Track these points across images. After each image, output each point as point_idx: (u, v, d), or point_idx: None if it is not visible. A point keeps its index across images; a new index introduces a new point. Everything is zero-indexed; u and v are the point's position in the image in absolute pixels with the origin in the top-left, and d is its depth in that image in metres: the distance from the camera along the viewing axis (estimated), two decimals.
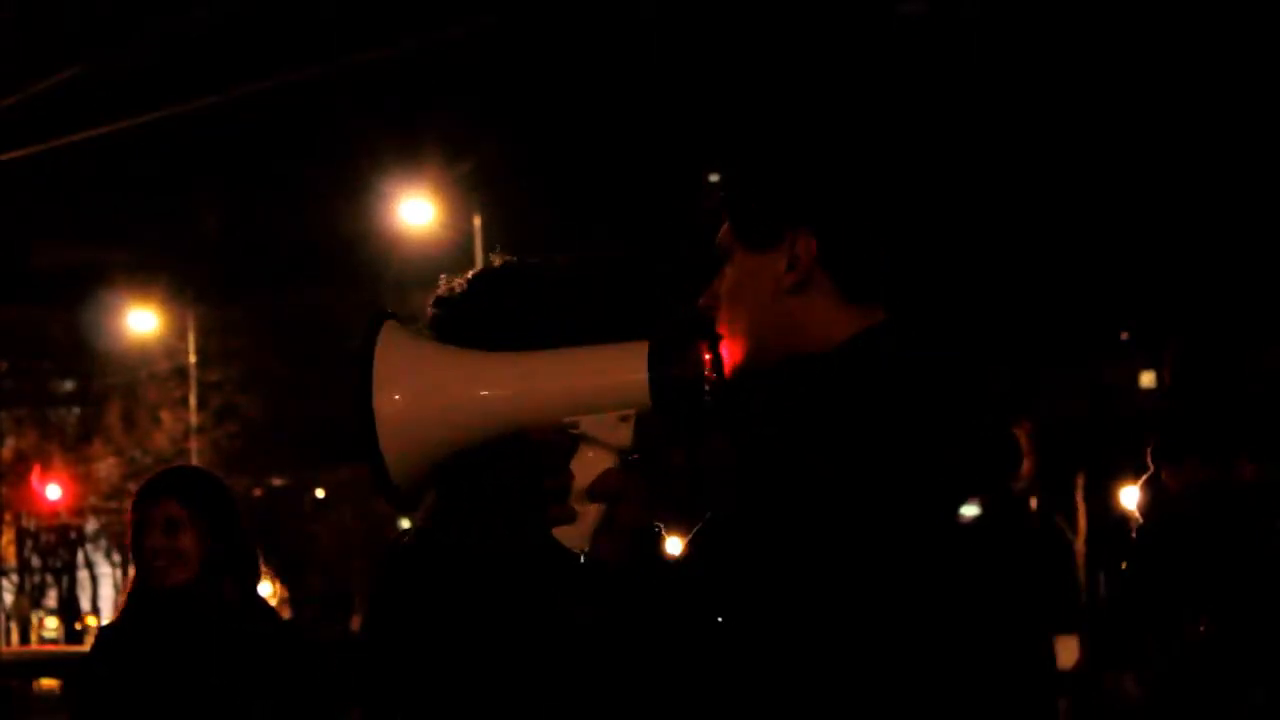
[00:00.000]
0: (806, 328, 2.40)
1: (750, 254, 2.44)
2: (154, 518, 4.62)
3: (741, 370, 2.42)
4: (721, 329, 2.43)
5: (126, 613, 4.74)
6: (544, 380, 2.40)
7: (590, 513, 2.36)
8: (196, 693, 4.49)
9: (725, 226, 2.48)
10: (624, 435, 2.37)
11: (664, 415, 2.39)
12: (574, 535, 2.36)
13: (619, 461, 2.38)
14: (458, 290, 3.01)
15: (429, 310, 3.04)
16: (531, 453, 2.39)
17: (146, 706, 4.53)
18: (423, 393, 2.36)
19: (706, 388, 2.39)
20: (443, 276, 3.08)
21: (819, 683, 2.19)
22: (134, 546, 4.68)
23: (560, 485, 2.36)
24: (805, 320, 2.41)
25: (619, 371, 2.38)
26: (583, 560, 2.35)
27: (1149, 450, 4.86)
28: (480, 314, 2.88)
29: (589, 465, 2.37)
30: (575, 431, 2.37)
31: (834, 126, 2.45)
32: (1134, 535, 4.96)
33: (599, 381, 2.39)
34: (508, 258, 3.04)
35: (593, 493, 2.35)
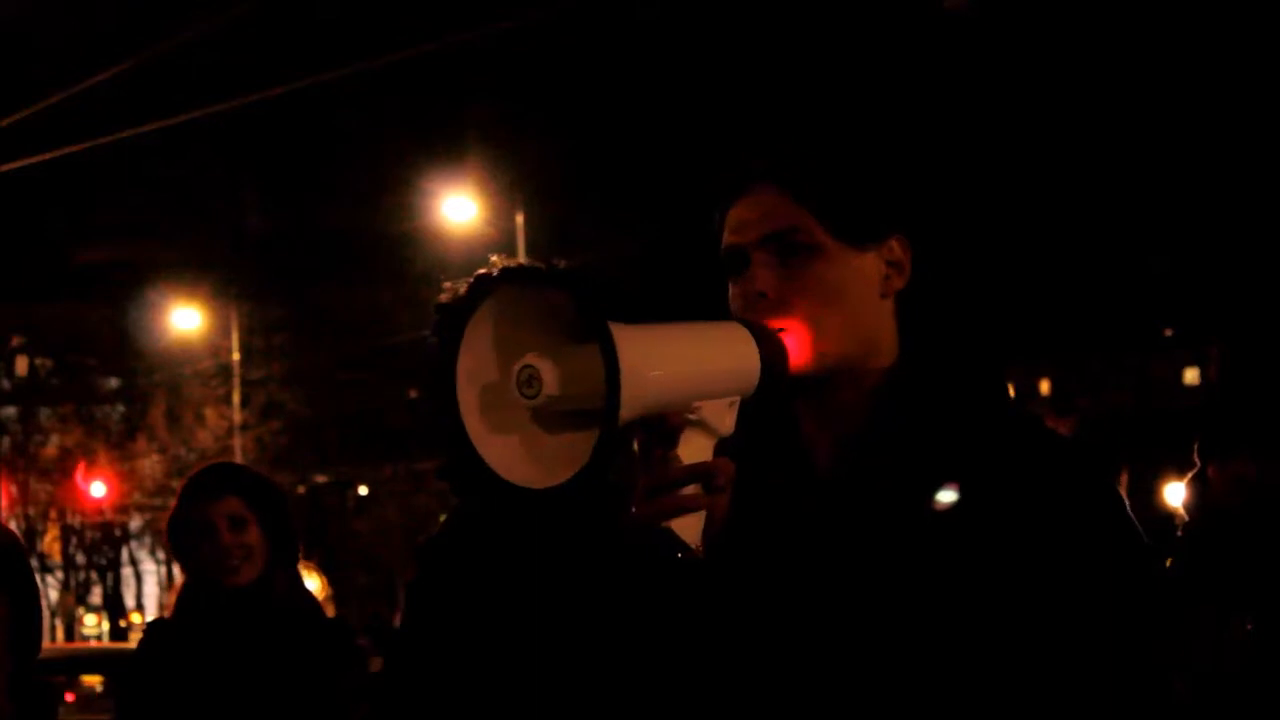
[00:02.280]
0: (883, 334, 2.38)
1: (850, 250, 2.36)
2: (216, 515, 4.58)
3: (824, 366, 2.34)
4: (793, 321, 2.32)
5: (183, 610, 4.71)
6: (689, 359, 2.21)
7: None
8: (249, 689, 4.49)
9: (795, 215, 2.36)
10: (730, 423, 2.25)
11: (763, 402, 2.29)
12: (691, 528, 2.21)
13: (717, 451, 2.24)
14: (462, 294, 2.98)
15: (434, 315, 3.03)
16: (654, 438, 2.22)
17: (198, 702, 4.52)
18: (654, 360, 2.12)
19: (795, 378, 2.31)
20: (446, 284, 3.06)
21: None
22: (191, 545, 4.64)
23: (673, 476, 2.21)
24: (884, 325, 2.39)
25: (737, 354, 2.25)
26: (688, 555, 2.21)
27: (1196, 447, 4.83)
28: None
29: (689, 454, 2.21)
30: (693, 417, 2.21)
31: (936, 131, 2.41)
32: (1179, 532, 4.93)
33: (726, 365, 2.24)
34: (508, 261, 3.03)
35: (717, 483, 2.22)
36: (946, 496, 2.24)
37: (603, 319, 2.05)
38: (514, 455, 2.16)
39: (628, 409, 2.05)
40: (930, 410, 2.33)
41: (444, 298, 3.01)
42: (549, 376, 2.11)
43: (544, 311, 2.14)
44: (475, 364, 2.18)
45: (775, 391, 2.28)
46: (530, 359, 2.12)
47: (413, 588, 3.10)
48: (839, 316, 2.34)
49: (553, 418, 2.16)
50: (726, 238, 2.41)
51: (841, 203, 2.37)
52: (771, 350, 2.27)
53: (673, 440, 2.20)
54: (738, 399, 2.25)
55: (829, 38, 29.34)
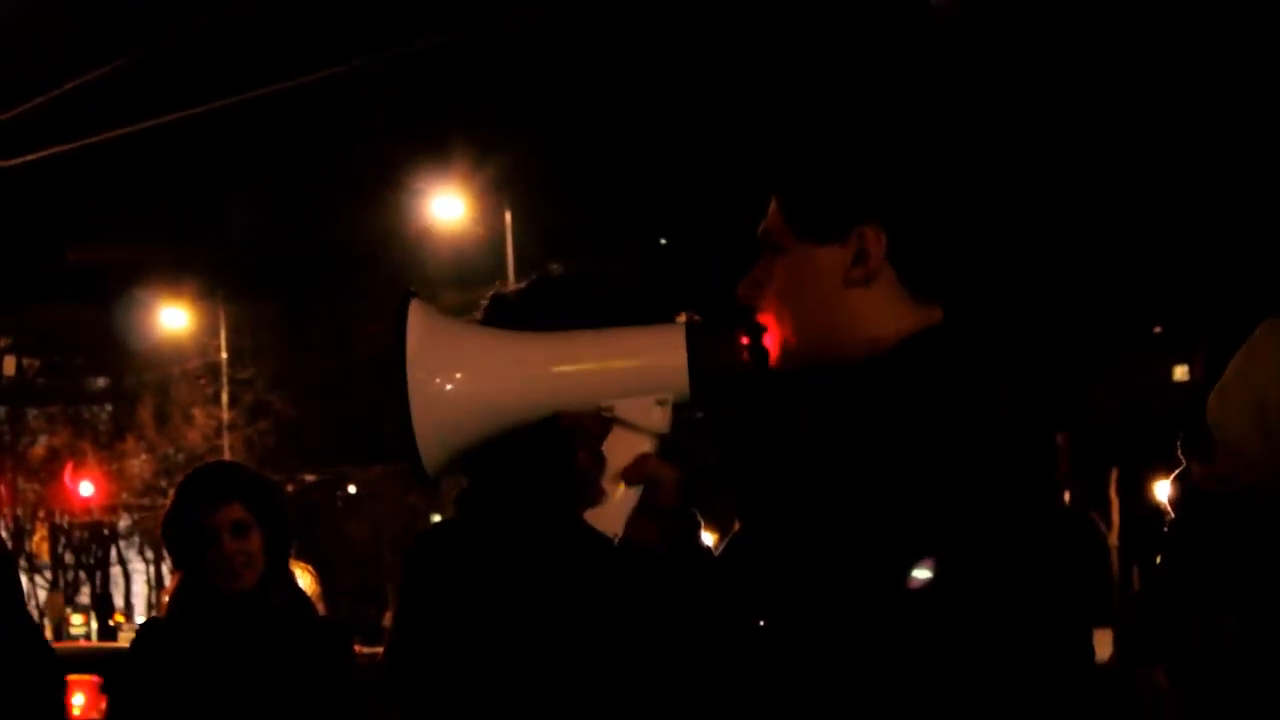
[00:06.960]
0: (865, 323, 2.38)
1: (810, 246, 2.39)
2: (219, 522, 4.55)
3: (790, 363, 2.39)
4: (767, 319, 2.39)
5: (178, 611, 4.69)
6: (580, 361, 2.35)
7: (624, 496, 2.31)
8: (243, 691, 4.48)
9: (774, 216, 2.43)
10: (660, 419, 2.32)
11: (698, 404, 2.34)
12: (606, 518, 2.30)
13: (654, 447, 2.32)
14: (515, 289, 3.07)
15: (482, 304, 3.08)
16: (564, 435, 2.33)
17: (191, 704, 4.50)
18: (457, 370, 2.30)
19: (744, 378, 2.37)
20: (498, 283, 3.14)
21: (859, 684, 2.18)
22: (190, 547, 4.60)
23: (590, 468, 2.31)
24: (865, 315, 2.38)
25: (657, 354, 2.33)
26: (617, 544, 2.30)
27: (1179, 444, 4.85)
28: (532, 314, 2.86)
29: (623, 449, 2.31)
30: (609, 415, 2.31)
31: (900, 120, 2.42)
32: (1166, 530, 4.95)
33: (636, 364, 2.33)
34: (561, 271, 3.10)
35: (628, 477, 2.30)
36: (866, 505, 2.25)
37: (399, 334, 2.28)
38: None
39: (420, 416, 2.28)
40: (882, 412, 2.32)
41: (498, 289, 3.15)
42: None
43: None
44: None
45: (710, 390, 2.34)
46: None
47: (415, 576, 3.07)
48: (795, 313, 2.39)
49: None
50: None
51: (799, 200, 2.42)
52: (698, 350, 2.33)
53: (593, 436, 2.32)
54: (668, 397, 2.32)
55: (804, 35, 29.36)
